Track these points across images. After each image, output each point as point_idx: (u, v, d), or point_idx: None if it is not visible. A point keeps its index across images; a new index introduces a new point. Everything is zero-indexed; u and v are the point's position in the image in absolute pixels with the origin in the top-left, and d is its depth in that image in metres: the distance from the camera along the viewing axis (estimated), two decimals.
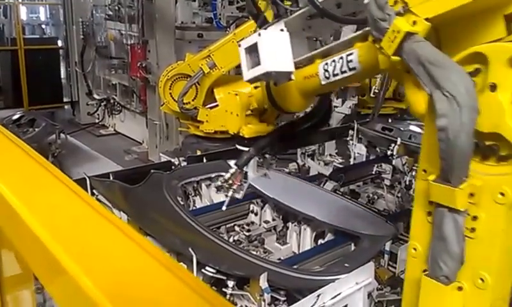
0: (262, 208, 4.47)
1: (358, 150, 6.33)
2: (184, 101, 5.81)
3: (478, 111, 1.26)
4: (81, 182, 4.14)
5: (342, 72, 1.96)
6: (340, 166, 6.15)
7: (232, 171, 2.59)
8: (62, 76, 12.80)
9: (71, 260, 0.86)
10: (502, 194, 1.31)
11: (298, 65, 2.10)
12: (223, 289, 3.09)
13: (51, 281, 0.97)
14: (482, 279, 1.37)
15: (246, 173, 2.64)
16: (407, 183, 5.39)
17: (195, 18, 9.60)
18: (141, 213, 4.00)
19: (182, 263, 3.34)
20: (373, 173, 5.84)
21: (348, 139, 6.42)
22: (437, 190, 1.35)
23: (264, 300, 2.86)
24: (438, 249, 1.38)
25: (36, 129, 7.82)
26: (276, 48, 1.94)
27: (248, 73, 1.98)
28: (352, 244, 3.85)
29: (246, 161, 2.60)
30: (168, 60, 7.90)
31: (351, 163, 6.28)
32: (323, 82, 2.06)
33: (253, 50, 1.94)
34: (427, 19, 1.42)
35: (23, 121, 8.31)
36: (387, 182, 5.68)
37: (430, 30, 1.46)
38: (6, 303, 1.72)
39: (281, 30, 2.00)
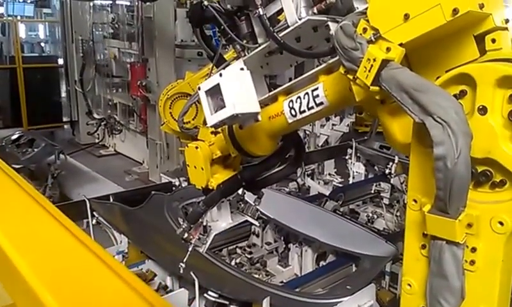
0: (263, 229, 4.47)
1: (357, 169, 6.36)
2: (184, 120, 5.82)
3: (471, 136, 1.21)
4: (81, 204, 4.13)
5: (309, 108, 1.86)
6: (340, 185, 6.17)
7: (183, 227, 2.45)
8: (61, 95, 12.75)
9: (51, 296, 0.86)
10: (501, 223, 1.25)
11: (261, 105, 1.97)
12: None
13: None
14: None
15: (205, 226, 2.51)
16: (405, 201, 5.40)
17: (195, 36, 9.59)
18: (142, 236, 3.99)
19: (183, 288, 3.31)
20: (372, 191, 5.86)
21: (347, 157, 6.46)
22: (434, 221, 1.27)
23: None
24: (437, 285, 1.31)
25: (36, 149, 7.71)
26: (239, 88, 1.83)
27: (211, 118, 1.86)
28: (354, 265, 3.86)
29: (196, 216, 2.46)
30: (168, 78, 7.88)
31: (350, 182, 6.30)
32: (290, 121, 1.95)
33: (215, 92, 1.83)
34: (400, 44, 1.37)
35: (22, 141, 8.18)
36: (386, 201, 5.71)
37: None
38: None
39: (242, 69, 1.89)
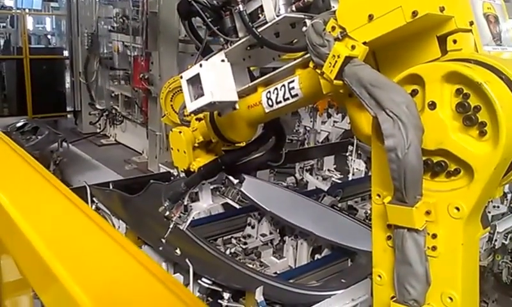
0: (259, 221, 4.44)
1: (357, 166, 6.31)
2: (185, 113, 5.82)
3: (422, 129, 1.27)
4: (81, 190, 4.14)
5: (285, 99, 1.97)
6: (339, 181, 6.13)
7: (164, 205, 2.60)
8: (66, 86, 12.84)
9: (64, 269, 0.84)
10: (457, 209, 1.31)
11: (241, 95, 2.11)
12: (219, 301, 3.06)
13: (44, 289, 0.95)
14: (450, 298, 1.34)
15: (185, 204, 2.63)
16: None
17: (198, 31, 9.62)
18: (140, 223, 3.98)
19: (178, 274, 3.30)
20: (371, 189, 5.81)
21: (347, 154, 6.42)
22: (393, 211, 1.33)
23: None
24: (403, 273, 1.35)
25: (39, 137, 7.84)
26: (218, 78, 1.95)
27: (191, 105, 1.97)
28: (349, 260, 3.82)
29: (177, 196, 2.63)
30: (170, 72, 7.92)
31: (350, 178, 6.26)
32: (267, 110, 2.07)
33: (195, 81, 1.94)
34: (364, 43, 1.46)
35: (26, 128, 8.35)
36: None
37: (368, 54, 1.49)
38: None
39: (222, 61, 2.02)
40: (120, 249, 0.96)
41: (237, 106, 2.05)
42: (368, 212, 5.42)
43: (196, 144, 2.51)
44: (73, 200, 1.22)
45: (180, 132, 2.50)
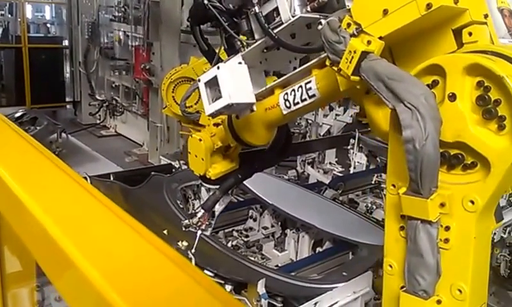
0: (261, 214, 4.49)
1: (359, 159, 6.33)
2: (187, 104, 5.82)
3: (441, 121, 1.29)
4: None
5: (303, 100, 2.00)
6: (340, 175, 6.17)
7: (199, 215, 2.64)
8: (65, 76, 12.82)
9: (79, 252, 0.86)
10: (472, 202, 1.32)
11: (259, 97, 2.14)
12: None
13: (58, 273, 0.98)
14: (460, 290, 1.37)
15: (214, 211, 2.68)
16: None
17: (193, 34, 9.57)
18: (140, 215, 4.00)
19: None
20: (372, 182, 5.85)
21: (349, 148, 6.44)
22: (408, 202, 1.35)
23: (261, 306, 2.86)
24: (414, 263, 1.38)
25: (38, 127, 7.81)
26: (235, 80, 1.98)
27: (209, 107, 2.01)
28: (351, 253, 3.86)
29: (213, 204, 2.66)
30: (172, 63, 7.89)
31: (351, 172, 6.29)
32: (285, 112, 2.10)
33: (213, 84, 1.98)
34: (380, 38, 1.48)
35: (25, 119, 8.30)
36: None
37: (384, 49, 1.51)
38: (7, 300, 1.73)
39: (239, 63, 2.05)
40: (132, 232, 0.99)
41: (254, 108, 2.09)
42: (369, 205, 5.46)
43: (214, 149, 2.54)
44: (81, 183, 1.24)
45: (200, 140, 2.53)
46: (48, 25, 15.87)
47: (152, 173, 4.61)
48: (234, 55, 2.12)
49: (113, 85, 11.29)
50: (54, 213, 1.03)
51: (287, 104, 2.06)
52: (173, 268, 0.84)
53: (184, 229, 2.71)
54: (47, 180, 1.30)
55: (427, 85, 1.36)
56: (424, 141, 1.25)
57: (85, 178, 4.21)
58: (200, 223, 2.64)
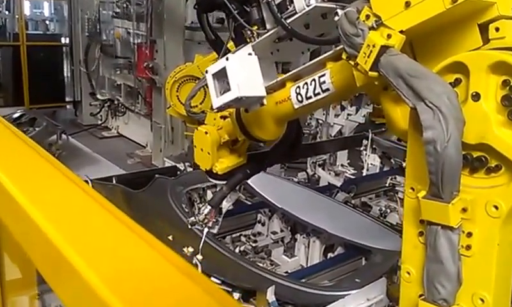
0: (269, 218, 4.48)
1: (372, 161, 6.32)
2: (192, 104, 5.84)
3: (464, 122, 1.27)
4: None
5: (316, 94, 1.96)
6: (352, 177, 6.16)
7: (206, 211, 2.62)
8: (65, 74, 12.86)
9: (81, 259, 0.86)
10: (496, 207, 1.30)
11: (269, 90, 2.10)
12: None
13: (59, 281, 0.98)
14: (482, 300, 1.35)
15: (221, 208, 2.68)
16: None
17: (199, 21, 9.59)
18: (144, 219, 4.01)
19: None
20: (386, 185, 5.84)
21: (361, 149, 6.43)
22: (428, 207, 1.33)
23: None
24: (433, 271, 1.36)
25: (37, 129, 7.82)
26: (245, 72, 1.94)
27: (217, 100, 1.98)
28: (363, 259, 3.86)
29: (220, 200, 2.67)
30: (176, 61, 7.90)
31: (364, 174, 6.28)
32: (296, 106, 2.06)
33: (221, 75, 1.94)
34: (401, 32, 1.44)
35: (23, 120, 8.31)
36: (401, 195, 5.67)
37: (405, 43, 1.48)
38: None
39: (249, 54, 2.01)
40: (134, 235, 1.00)
41: (264, 102, 2.06)
42: (383, 209, 5.45)
43: (221, 143, 2.53)
44: (82, 186, 1.25)
45: (206, 133, 2.50)
46: (47, 22, 15.97)
47: (156, 175, 4.63)
48: (243, 45, 2.09)
49: (115, 84, 11.27)
50: (54, 218, 1.03)
51: (299, 98, 2.03)
52: (178, 276, 0.84)
53: (190, 226, 2.71)
54: (47, 184, 1.30)
55: (450, 83, 1.34)
56: (446, 142, 1.23)
57: (86, 181, 4.23)
58: (206, 220, 2.64)
